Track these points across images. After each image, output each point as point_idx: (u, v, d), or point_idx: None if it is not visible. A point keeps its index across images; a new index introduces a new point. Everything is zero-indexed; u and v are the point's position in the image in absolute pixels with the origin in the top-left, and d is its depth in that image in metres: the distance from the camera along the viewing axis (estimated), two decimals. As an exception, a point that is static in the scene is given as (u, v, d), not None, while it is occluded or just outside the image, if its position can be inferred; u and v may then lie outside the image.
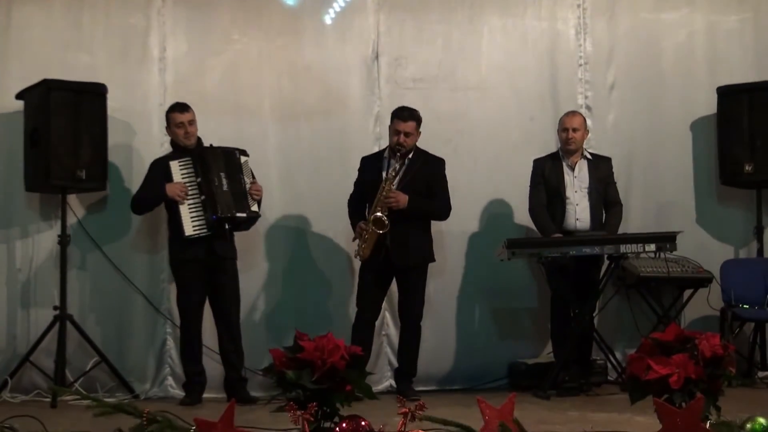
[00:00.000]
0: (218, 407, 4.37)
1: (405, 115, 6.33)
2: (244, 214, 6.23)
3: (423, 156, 6.42)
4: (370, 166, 6.45)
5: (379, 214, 6.14)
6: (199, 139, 6.31)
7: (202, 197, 6.15)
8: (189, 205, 6.16)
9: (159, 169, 6.27)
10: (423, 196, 6.33)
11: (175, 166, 6.21)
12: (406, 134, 6.28)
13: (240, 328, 6.35)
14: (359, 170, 6.52)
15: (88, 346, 6.44)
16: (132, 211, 6.44)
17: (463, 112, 7.24)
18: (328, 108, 7.01)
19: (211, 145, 6.30)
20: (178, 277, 6.34)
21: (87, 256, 6.69)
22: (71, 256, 6.54)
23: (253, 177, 6.39)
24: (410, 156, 6.35)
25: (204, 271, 6.22)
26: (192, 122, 6.28)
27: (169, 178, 6.19)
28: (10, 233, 6.64)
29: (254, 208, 6.31)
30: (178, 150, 6.30)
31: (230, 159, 6.29)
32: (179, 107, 6.28)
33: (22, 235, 6.65)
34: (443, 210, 6.48)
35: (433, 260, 6.51)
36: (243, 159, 6.35)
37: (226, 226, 6.18)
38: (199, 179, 6.18)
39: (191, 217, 6.15)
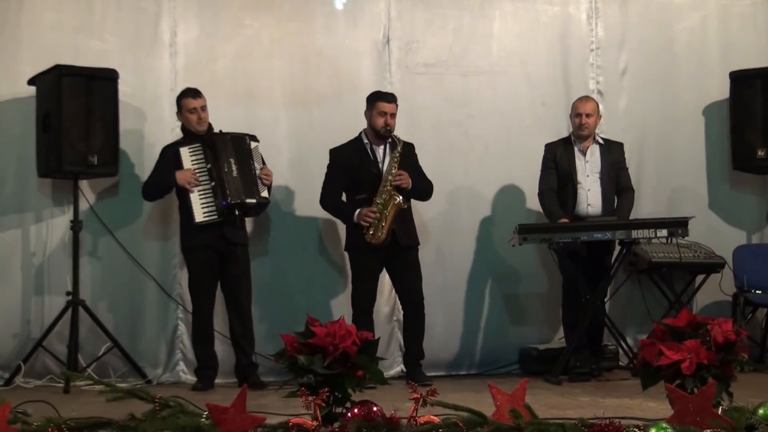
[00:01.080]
0: (230, 392, 4.39)
1: (390, 97, 6.40)
2: (254, 200, 6.24)
3: (398, 140, 6.42)
4: (349, 155, 6.40)
5: (399, 198, 6.17)
6: (210, 126, 6.31)
7: (212, 183, 6.16)
8: (199, 191, 6.17)
9: (169, 156, 6.28)
10: None
11: (185, 152, 6.22)
12: (392, 115, 6.32)
13: (251, 313, 6.36)
14: (335, 164, 6.43)
15: (101, 332, 6.47)
16: (143, 198, 6.45)
17: (474, 97, 7.23)
18: (339, 93, 7.01)
19: (220, 131, 6.30)
20: (190, 263, 6.36)
21: (99, 241, 6.70)
22: (83, 241, 6.56)
23: (264, 163, 6.39)
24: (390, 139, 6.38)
25: (215, 257, 6.23)
26: (204, 108, 6.28)
27: (179, 164, 6.20)
28: (24, 219, 6.66)
29: (264, 193, 6.31)
30: (189, 136, 6.30)
31: (240, 145, 6.29)
32: (191, 92, 6.28)
33: (36, 221, 6.66)
34: (431, 188, 6.53)
35: (419, 243, 6.54)
36: (253, 145, 6.35)
37: (236, 212, 6.19)
38: (209, 165, 6.19)
39: (201, 204, 6.16)
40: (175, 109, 6.41)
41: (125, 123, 6.57)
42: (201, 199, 6.17)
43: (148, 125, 6.82)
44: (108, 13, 6.82)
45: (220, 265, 6.27)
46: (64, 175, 6.41)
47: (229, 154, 6.22)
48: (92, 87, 6.33)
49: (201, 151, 6.21)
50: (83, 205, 6.54)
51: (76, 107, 6.27)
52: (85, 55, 6.58)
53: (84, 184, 6.55)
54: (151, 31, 6.87)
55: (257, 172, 6.28)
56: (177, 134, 6.62)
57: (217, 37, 6.99)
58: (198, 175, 6.18)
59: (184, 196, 6.22)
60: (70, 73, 6.26)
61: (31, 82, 6.44)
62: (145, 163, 6.71)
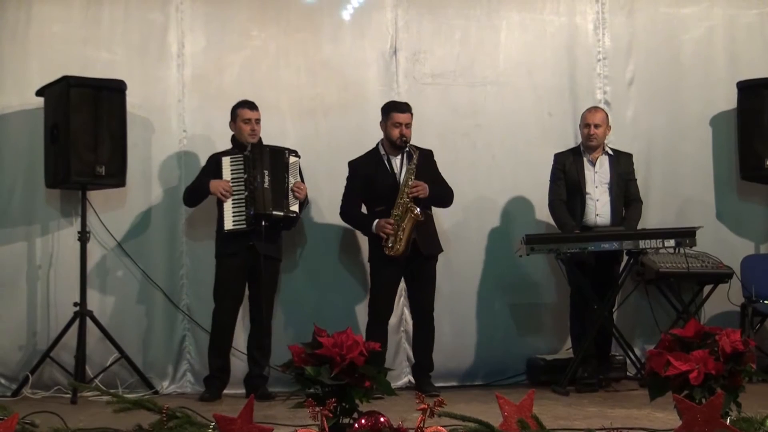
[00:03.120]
0: (237, 403, 4.39)
1: (403, 107, 6.42)
2: (281, 213, 6.26)
3: (416, 148, 6.42)
4: (367, 167, 6.43)
5: (417, 210, 6.17)
6: (260, 140, 6.35)
7: (246, 193, 6.21)
8: (233, 200, 6.23)
9: (212, 164, 6.36)
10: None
11: (226, 161, 6.30)
12: (407, 125, 6.33)
13: (270, 327, 6.37)
14: (353, 176, 6.47)
15: (108, 343, 6.47)
16: (183, 203, 6.52)
17: (481, 107, 7.23)
18: (346, 103, 7.02)
19: (261, 142, 6.35)
20: (217, 270, 6.39)
21: (107, 252, 6.72)
22: (91, 252, 6.56)
23: (302, 178, 6.43)
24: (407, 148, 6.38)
25: (243, 268, 6.27)
26: (258, 121, 6.35)
27: (219, 173, 6.27)
28: (31, 230, 6.67)
29: (294, 207, 6.34)
30: (237, 147, 6.35)
31: (278, 158, 6.33)
32: (249, 104, 6.36)
33: (43, 232, 6.68)
34: (451, 195, 6.54)
35: (442, 250, 6.52)
36: (292, 159, 6.40)
37: (263, 223, 6.20)
38: (245, 176, 6.23)
39: (233, 213, 6.23)
40: (182, 119, 6.46)
41: (133, 134, 6.58)
42: (233, 207, 6.23)
43: (155, 136, 6.83)
44: (116, 24, 6.85)
45: (249, 276, 6.29)
46: (72, 186, 6.43)
47: (265, 165, 6.26)
48: (100, 98, 6.35)
49: (241, 162, 6.26)
50: (91, 216, 6.55)
51: (84, 118, 6.29)
52: (93, 67, 6.61)
53: (92, 195, 6.56)
54: (159, 42, 6.90)
55: (290, 185, 6.31)
56: (185, 144, 6.75)
57: (224, 48, 7.01)
58: (234, 185, 6.24)
59: (220, 204, 6.29)
60: (78, 84, 6.29)
61: (39, 93, 6.47)
62: (152, 173, 6.74)
